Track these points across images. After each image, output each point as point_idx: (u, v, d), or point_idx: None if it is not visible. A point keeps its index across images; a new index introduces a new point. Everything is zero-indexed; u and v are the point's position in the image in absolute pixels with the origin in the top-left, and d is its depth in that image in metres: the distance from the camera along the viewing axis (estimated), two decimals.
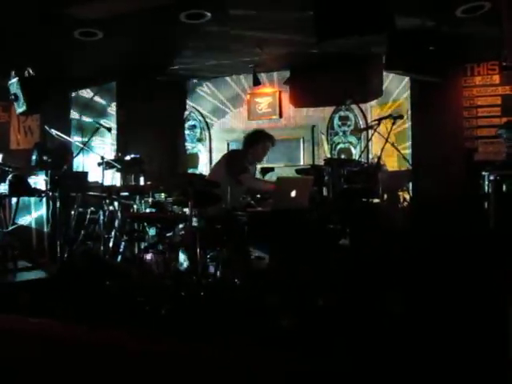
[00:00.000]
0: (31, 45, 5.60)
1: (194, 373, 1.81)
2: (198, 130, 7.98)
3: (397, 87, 6.50)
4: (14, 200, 5.42)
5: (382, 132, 4.91)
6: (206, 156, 7.91)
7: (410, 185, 5.52)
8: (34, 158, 5.82)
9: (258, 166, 6.12)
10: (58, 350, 2.05)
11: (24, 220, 5.71)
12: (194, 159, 7.96)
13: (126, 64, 6.72)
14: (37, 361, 2.06)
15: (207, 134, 7.85)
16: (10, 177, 4.97)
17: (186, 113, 7.95)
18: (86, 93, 7.89)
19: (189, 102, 7.89)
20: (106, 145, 7.68)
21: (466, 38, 5.30)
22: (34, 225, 5.78)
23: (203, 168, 7.77)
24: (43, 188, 5.37)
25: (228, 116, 7.74)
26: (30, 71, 5.46)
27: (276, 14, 4.89)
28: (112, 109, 7.63)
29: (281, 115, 7.43)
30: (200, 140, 7.96)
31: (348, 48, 5.75)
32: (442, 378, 2.46)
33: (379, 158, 4.81)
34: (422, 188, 5.45)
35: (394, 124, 4.70)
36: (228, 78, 7.62)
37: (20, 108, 5.67)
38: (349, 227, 4.68)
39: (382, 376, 2.41)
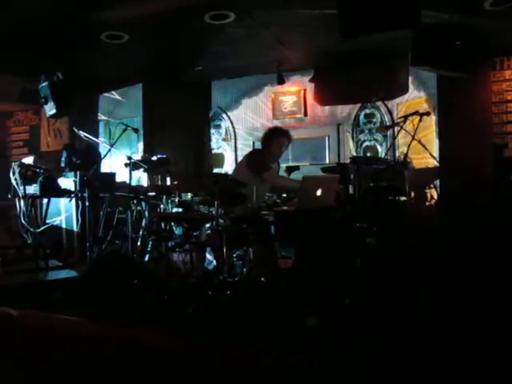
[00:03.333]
0: (60, 49, 5.71)
1: (218, 371, 1.82)
2: (223, 130, 8.01)
3: (423, 83, 6.40)
4: (44, 200, 5.55)
5: (409, 129, 4.85)
6: (231, 155, 7.93)
7: (438, 182, 5.43)
8: (63, 159, 5.94)
9: (284, 165, 6.13)
10: (87, 346, 2.10)
11: (54, 220, 5.84)
12: (219, 159, 8.00)
13: (152, 65, 6.80)
14: (66, 356, 2.11)
15: (232, 133, 7.87)
16: (40, 178, 5.09)
17: (211, 113, 7.99)
18: (114, 94, 8.01)
19: (214, 102, 7.93)
20: (132, 146, 7.79)
21: (495, 31, 5.18)
22: (64, 225, 5.91)
23: (229, 167, 7.80)
24: (72, 189, 5.49)
25: (253, 115, 7.75)
26: (59, 75, 5.58)
27: (300, 12, 4.88)
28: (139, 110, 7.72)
29: (306, 113, 7.40)
30: (225, 140, 7.99)
31: (373, 44, 5.68)
32: (472, 377, 2.42)
33: (406, 155, 4.76)
34: (449, 185, 5.36)
35: (420, 121, 4.63)
36: (253, 77, 7.62)
37: (50, 111, 5.81)
38: (375, 226, 4.64)
39: (411, 374, 2.39)
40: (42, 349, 2.18)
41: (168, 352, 1.99)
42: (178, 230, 4.76)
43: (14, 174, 5.13)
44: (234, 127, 7.83)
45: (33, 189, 5.14)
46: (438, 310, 3.55)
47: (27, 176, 5.11)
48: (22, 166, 5.15)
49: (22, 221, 5.21)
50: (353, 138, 7.01)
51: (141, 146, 7.59)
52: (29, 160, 5.39)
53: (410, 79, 6.52)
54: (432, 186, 5.42)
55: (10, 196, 5.29)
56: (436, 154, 5.54)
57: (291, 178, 5.14)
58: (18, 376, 2.19)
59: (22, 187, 5.07)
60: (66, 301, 3.74)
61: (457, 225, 5.03)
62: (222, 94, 7.89)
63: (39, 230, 5.22)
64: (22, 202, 5.16)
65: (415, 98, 6.52)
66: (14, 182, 5.14)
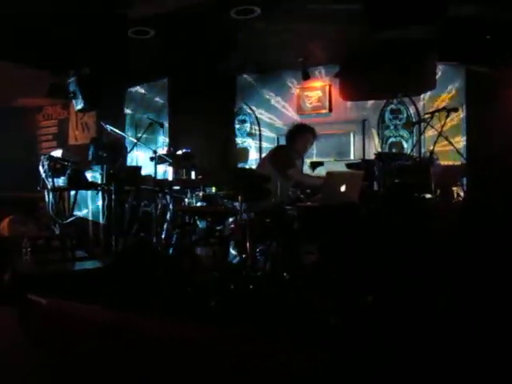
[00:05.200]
0: (88, 44, 5.81)
1: (238, 363, 1.84)
2: (247, 125, 8.03)
3: (451, 79, 6.29)
4: (72, 193, 5.66)
5: (436, 125, 4.78)
6: (255, 150, 7.95)
7: (464, 180, 5.34)
8: (90, 152, 6.04)
9: (308, 160, 6.11)
10: (111, 335, 2.14)
11: (81, 212, 5.94)
12: (244, 154, 8.01)
13: (177, 60, 6.85)
14: (90, 344, 2.16)
15: (257, 128, 7.88)
16: (68, 171, 5.19)
17: (237, 108, 8.01)
18: (140, 89, 8.10)
19: (239, 97, 7.94)
20: (158, 140, 7.87)
21: None
22: (90, 217, 6.02)
23: (253, 162, 7.81)
24: (99, 182, 5.58)
25: (278, 110, 7.74)
26: (87, 70, 5.67)
27: (325, 7, 4.85)
28: (164, 104, 7.80)
29: (330, 109, 7.35)
30: (250, 134, 8.01)
31: (399, 39, 5.61)
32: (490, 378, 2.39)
33: (432, 152, 4.69)
34: (476, 183, 5.26)
35: (447, 117, 4.56)
36: (278, 73, 7.61)
37: (78, 105, 5.92)
38: (400, 222, 4.59)
39: (430, 373, 2.37)
40: (68, 336, 2.24)
41: (190, 342, 2.02)
42: (201, 224, 4.80)
43: (43, 166, 5.24)
44: (258, 122, 7.84)
45: (61, 181, 5.24)
46: (462, 310, 3.50)
47: (56, 169, 5.21)
48: (51, 159, 5.26)
49: (51, 212, 5.33)
50: (378, 134, 6.93)
51: (162, 139, 7.67)
52: (57, 153, 5.50)
53: (438, 74, 6.41)
54: (458, 183, 5.33)
55: (39, 188, 5.41)
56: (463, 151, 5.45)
57: (315, 176, 5.13)
58: (43, 362, 2.25)
59: (50, 180, 5.17)
60: (91, 291, 3.81)
61: (484, 224, 4.94)
62: (247, 89, 7.90)
63: (66, 221, 5.33)
64: (50, 194, 5.28)
65: (443, 93, 6.41)
66: (43, 174, 5.25)
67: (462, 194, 5.35)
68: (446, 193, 5.38)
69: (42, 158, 5.35)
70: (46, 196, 5.34)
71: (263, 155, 7.27)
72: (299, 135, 4.79)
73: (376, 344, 2.82)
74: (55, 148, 7.49)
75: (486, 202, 5.06)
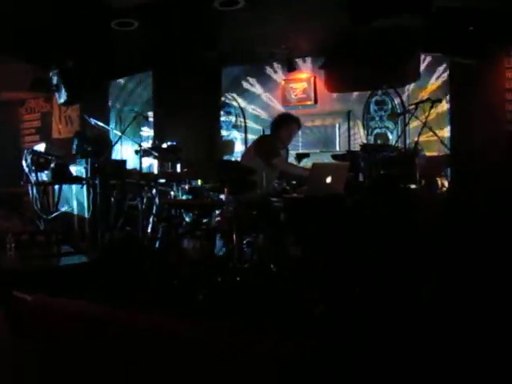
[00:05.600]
0: (71, 37, 5.73)
1: (225, 357, 1.85)
2: (233, 117, 8.00)
3: (435, 70, 6.33)
4: (56, 187, 5.60)
5: (420, 116, 4.81)
6: (241, 143, 7.94)
7: (449, 170, 5.40)
8: (74, 146, 5.98)
9: (293, 152, 6.12)
10: (98, 330, 2.13)
11: (66, 207, 5.89)
12: (229, 146, 8.00)
13: (162, 52, 6.80)
14: (77, 339, 2.15)
15: (242, 120, 7.87)
16: (52, 165, 5.14)
17: (221, 100, 7.98)
18: (124, 82, 8.03)
19: (224, 89, 7.91)
20: (143, 133, 7.82)
21: (509, 16, 5.10)
22: (75, 211, 5.97)
23: (239, 155, 7.81)
24: (84, 176, 5.53)
25: (263, 102, 7.72)
26: (70, 63, 5.60)
27: None
28: (149, 97, 7.74)
29: (316, 101, 7.36)
30: (235, 127, 7.99)
31: (384, 31, 5.62)
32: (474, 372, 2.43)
33: (416, 142, 4.73)
34: (461, 173, 5.32)
35: (432, 108, 4.60)
36: (262, 64, 7.59)
37: (61, 98, 5.84)
38: (385, 213, 4.62)
39: (416, 363, 2.40)
40: (54, 332, 2.23)
41: (177, 337, 2.02)
42: (188, 217, 4.79)
43: (26, 161, 5.18)
44: (244, 114, 7.82)
45: (45, 176, 5.19)
46: (447, 300, 3.55)
47: (39, 163, 5.15)
48: (34, 153, 5.20)
49: (35, 207, 5.28)
50: (363, 125, 6.97)
51: (145, 132, 7.62)
52: (40, 147, 5.44)
53: (423, 65, 6.45)
54: (443, 174, 5.39)
55: (22, 183, 5.35)
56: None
57: (299, 166, 5.14)
58: (30, 359, 2.24)
59: (34, 174, 5.12)
60: (76, 286, 3.79)
61: (468, 213, 5.00)
62: (233, 81, 7.87)
63: (51, 216, 5.28)
64: (34, 188, 5.22)
65: (427, 84, 6.45)
66: (26, 168, 5.19)
67: (446, 184, 5.41)
68: (431, 183, 5.44)
69: (25, 152, 5.29)
70: (30, 191, 5.28)
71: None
72: (284, 125, 4.79)
73: (362, 332, 2.85)
74: (38, 142, 7.39)
75: (468, 193, 5.13)
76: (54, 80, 5.87)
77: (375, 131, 7.01)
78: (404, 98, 6.69)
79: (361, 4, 3.91)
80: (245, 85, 7.80)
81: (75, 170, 5.73)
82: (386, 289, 3.66)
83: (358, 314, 3.24)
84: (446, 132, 5.93)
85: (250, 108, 7.81)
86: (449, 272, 4.04)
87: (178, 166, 5.77)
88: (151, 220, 5.20)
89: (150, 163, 6.83)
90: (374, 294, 3.59)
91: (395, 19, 3.95)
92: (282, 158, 4.75)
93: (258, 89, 7.72)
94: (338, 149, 7.08)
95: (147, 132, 7.75)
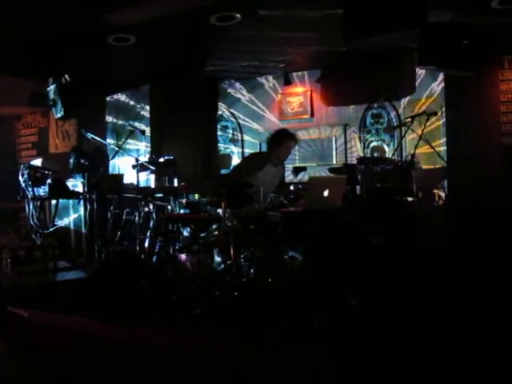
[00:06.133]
0: (68, 52, 5.76)
1: (224, 370, 1.83)
2: (230, 131, 8.03)
3: (430, 83, 6.38)
4: (53, 202, 5.59)
5: (416, 129, 4.84)
6: (238, 157, 7.95)
7: (445, 182, 5.41)
8: (71, 161, 5.99)
9: (290, 166, 6.13)
10: (95, 346, 2.12)
11: (63, 221, 5.88)
12: (226, 160, 8.01)
13: (159, 67, 6.83)
14: (74, 355, 2.13)
15: (239, 134, 7.89)
16: (49, 180, 5.13)
17: (218, 114, 8.01)
18: (121, 96, 8.06)
19: (220, 103, 7.95)
20: (140, 147, 7.83)
21: (503, 29, 5.15)
22: (72, 226, 5.95)
23: None
24: (81, 190, 5.53)
25: (260, 116, 7.76)
26: (67, 78, 5.62)
27: (306, 13, 4.88)
28: (146, 111, 7.77)
29: (312, 114, 7.40)
30: (232, 141, 8.01)
31: (380, 44, 5.68)
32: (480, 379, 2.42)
33: (413, 155, 4.75)
34: (457, 185, 5.34)
35: (427, 121, 4.62)
36: (259, 79, 7.64)
37: (58, 113, 5.85)
38: (382, 226, 4.63)
39: (415, 376, 2.38)
40: (51, 348, 2.21)
41: (175, 351, 2.01)
42: (185, 231, 4.78)
43: (23, 175, 5.17)
44: (241, 128, 7.85)
45: (42, 191, 5.18)
46: (446, 312, 3.53)
47: (36, 178, 5.14)
48: (31, 168, 5.19)
49: (31, 222, 5.26)
50: (360, 138, 6.99)
51: (142, 146, 7.63)
52: (37, 162, 5.44)
53: (418, 79, 6.50)
54: (439, 186, 5.40)
55: (19, 198, 5.33)
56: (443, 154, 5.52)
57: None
58: (28, 375, 2.21)
59: (30, 189, 5.11)
60: (73, 301, 3.76)
61: (465, 225, 5.00)
62: (229, 95, 7.91)
63: (48, 231, 5.26)
64: (31, 203, 5.21)
65: (423, 97, 6.49)
66: (22, 183, 5.18)
67: (443, 196, 5.42)
68: (428, 195, 5.45)
69: (22, 167, 5.28)
70: (27, 206, 5.27)
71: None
72: (282, 142, 4.81)
73: (360, 346, 2.83)
74: (35, 157, 7.39)
75: (465, 205, 5.14)
76: (51, 95, 5.88)
77: (372, 144, 7.04)
78: (400, 111, 6.73)
79: (356, 21, 3.94)
80: (242, 99, 7.84)
81: (72, 184, 5.73)
82: (385, 302, 3.64)
83: (356, 327, 3.23)
84: (441, 144, 5.96)
85: (247, 122, 7.84)
86: (449, 284, 4.03)
87: (175, 181, 5.77)
88: (148, 234, 5.19)
89: (147, 177, 6.83)
90: (373, 307, 3.58)
91: (390, 34, 3.98)
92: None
93: (254, 103, 7.76)
94: (334, 162, 7.10)
95: (143, 146, 7.76)
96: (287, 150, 4.84)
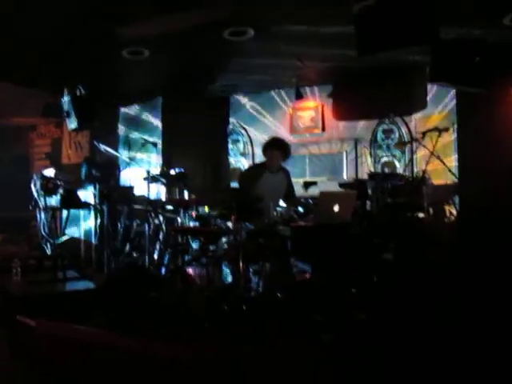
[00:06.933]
0: (82, 64, 5.84)
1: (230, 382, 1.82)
2: (241, 145, 8.06)
3: (442, 99, 6.37)
4: (64, 212, 5.63)
5: (427, 145, 4.82)
6: None
7: (456, 198, 5.38)
8: (83, 172, 6.03)
9: (301, 180, 6.13)
10: (104, 356, 2.11)
11: (73, 232, 5.91)
12: (237, 173, 8.02)
13: (171, 80, 6.89)
14: (82, 365, 2.13)
15: (250, 148, 7.91)
16: (61, 190, 5.17)
17: (229, 127, 8.04)
18: (134, 109, 8.14)
19: (231, 117, 7.99)
20: (151, 159, 7.88)
21: None
22: (82, 236, 5.98)
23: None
24: (92, 201, 5.56)
25: (271, 130, 7.77)
26: (81, 89, 5.69)
27: (318, 28, 4.92)
28: (158, 124, 7.83)
29: (323, 129, 7.40)
30: (243, 154, 8.03)
31: (392, 60, 5.69)
32: None
33: (424, 171, 4.73)
34: (469, 201, 5.29)
35: (439, 136, 4.61)
36: (271, 93, 7.67)
37: (72, 124, 5.91)
38: (393, 242, 4.60)
39: None
40: (58, 358, 2.21)
41: (184, 363, 2.00)
42: (194, 244, 4.78)
43: (35, 185, 5.22)
44: (252, 142, 7.87)
45: (53, 200, 5.22)
46: (457, 328, 3.49)
47: (48, 188, 5.19)
48: (44, 178, 5.24)
49: (42, 232, 5.29)
50: (371, 153, 6.98)
51: (153, 158, 7.67)
52: (50, 172, 5.49)
53: (430, 94, 6.49)
54: (451, 202, 5.37)
55: (30, 207, 5.37)
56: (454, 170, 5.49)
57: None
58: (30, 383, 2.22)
59: (42, 199, 5.15)
60: (82, 312, 3.77)
61: (477, 241, 4.96)
62: (241, 109, 7.95)
63: (58, 241, 5.29)
64: (42, 213, 5.25)
65: (434, 113, 6.48)
66: (35, 193, 5.23)
67: (454, 212, 5.38)
68: (439, 211, 5.41)
69: (35, 176, 5.33)
70: (38, 215, 5.31)
71: None
72: (267, 151, 4.91)
73: (370, 361, 2.80)
74: (48, 167, 7.47)
75: (478, 221, 5.09)
76: (65, 106, 5.95)
77: (382, 159, 7.02)
78: (411, 126, 6.71)
79: (368, 36, 3.96)
80: (253, 113, 7.87)
81: (83, 195, 5.76)
82: (394, 317, 3.61)
83: (365, 342, 3.20)
84: (452, 160, 5.92)
85: (258, 136, 7.86)
86: (460, 300, 3.99)
87: (186, 193, 5.79)
88: (158, 246, 5.20)
89: (158, 190, 6.86)
90: (382, 322, 3.55)
91: (402, 50, 3.99)
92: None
93: (266, 117, 7.78)
94: (345, 177, 7.08)
95: (156, 158, 7.80)
96: (272, 160, 4.88)
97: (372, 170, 6.78)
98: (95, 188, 5.55)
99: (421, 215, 4.98)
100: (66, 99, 5.91)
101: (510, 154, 5.38)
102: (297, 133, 7.53)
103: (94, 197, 5.56)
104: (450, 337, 3.28)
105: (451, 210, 5.47)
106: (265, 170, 4.88)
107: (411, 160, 6.31)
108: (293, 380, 1.74)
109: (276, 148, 4.89)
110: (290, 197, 4.98)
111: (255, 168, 5.28)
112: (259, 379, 1.79)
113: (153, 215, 5.27)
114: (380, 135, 7.04)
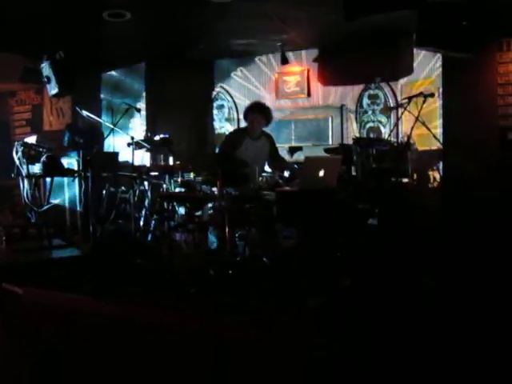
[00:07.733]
0: (62, 28, 5.68)
1: (216, 349, 1.85)
2: (226, 110, 7.98)
3: (428, 64, 6.33)
4: (48, 180, 5.56)
5: (413, 110, 4.82)
6: None
7: (441, 164, 5.42)
8: (66, 138, 5.93)
9: (286, 145, 6.11)
10: (89, 323, 2.13)
11: (58, 199, 5.86)
12: (222, 139, 7.97)
13: (155, 44, 6.75)
14: (69, 333, 2.14)
15: (235, 113, 7.84)
16: (44, 157, 5.09)
17: (214, 92, 7.95)
18: (116, 74, 7.97)
19: (216, 82, 7.88)
20: (135, 125, 7.78)
21: (502, 10, 5.09)
22: (67, 204, 5.93)
23: None
24: (75, 168, 5.50)
25: (256, 95, 7.69)
26: (62, 54, 5.54)
27: None
28: (141, 89, 7.70)
29: (309, 94, 7.35)
30: (228, 120, 7.96)
31: (378, 25, 5.61)
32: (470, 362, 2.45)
33: (409, 137, 4.75)
34: (452, 167, 5.34)
35: (424, 102, 4.60)
36: (256, 58, 7.56)
37: (52, 90, 5.78)
38: (377, 207, 4.65)
39: (408, 357, 2.41)
40: (45, 326, 2.22)
41: (164, 328, 2.02)
42: (180, 210, 4.78)
43: (17, 153, 5.12)
44: (237, 107, 7.79)
45: (36, 168, 5.15)
46: (439, 293, 3.57)
47: (30, 155, 5.10)
48: (25, 145, 5.14)
49: (26, 200, 5.23)
50: (356, 119, 6.97)
51: (134, 124, 7.57)
52: (32, 139, 5.39)
53: (417, 60, 6.45)
54: (435, 168, 5.41)
55: (13, 175, 5.30)
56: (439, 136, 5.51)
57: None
58: (21, 352, 2.23)
59: (25, 167, 5.07)
60: (68, 279, 3.78)
61: (459, 208, 5.03)
62: (225, 74, 7.83)
63: (43, 209, 5.24)
64: (25, 181, 5.18)
65: (420, 78, 6.45)
66: (17, 161, 5.14)
67: (438, 177, 5.44)
68: (423, 177, 5.47)
69: (16, 144, 5.23)
70: (21, 183, 5.24)
71: None
72: (248, 116, 4.83)
73: (354, 326, 2.86)
74: (29, 134, 7.32)
75: (461, 186, 5.15)
76: (45, 71, 5.80)
77: (368, 125, 7.01)
78: (397, 91, 6.69)
79: (354, 0, 3.89)
80: (237, 78, 7.77)
81: (67, 162, 5.69)
82: (379, 282, 3.68)
83: (349, 306, 3.26)
84: (437, 126, 5.94)
85: (243, 101, 7.77)
86: (442, 266, 4.07)
87: (171, 159, 5.75)
88: (143, 213, 5.19)
89: (143, 156, 6.80)
90: (367, 287, 3.61)
91: (388, 14, 3.93)
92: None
93: (251, 82, 7.69)
94: (330, 142, 7.08)
95: (140, 124, 7.70)
96: (253, 124, 4.80)
97: (357, 135, 6.78)
98: (78, 155, 5.47)
99: (405, 181, 5.03)
100: (45, 64, 5.75)
101: (495, 120, 5.41)
102: (282, 97, 7.47)
103: (78, 164, 5.49)
104: (432, 303, 3.36)
105: (435, 176, 5.52)
106: (246, 136, 4.79)
107: (396, 125, 6.31)
108: (276, 353, 1.77)
109: (257, 111, 4.81)
110: (276, 160, 4.95)
111: (236, 133, 5.24)
112: (241, 352, 1.81)
113: (138, 182, 5.23)
114: (365, 100, 7.01)
